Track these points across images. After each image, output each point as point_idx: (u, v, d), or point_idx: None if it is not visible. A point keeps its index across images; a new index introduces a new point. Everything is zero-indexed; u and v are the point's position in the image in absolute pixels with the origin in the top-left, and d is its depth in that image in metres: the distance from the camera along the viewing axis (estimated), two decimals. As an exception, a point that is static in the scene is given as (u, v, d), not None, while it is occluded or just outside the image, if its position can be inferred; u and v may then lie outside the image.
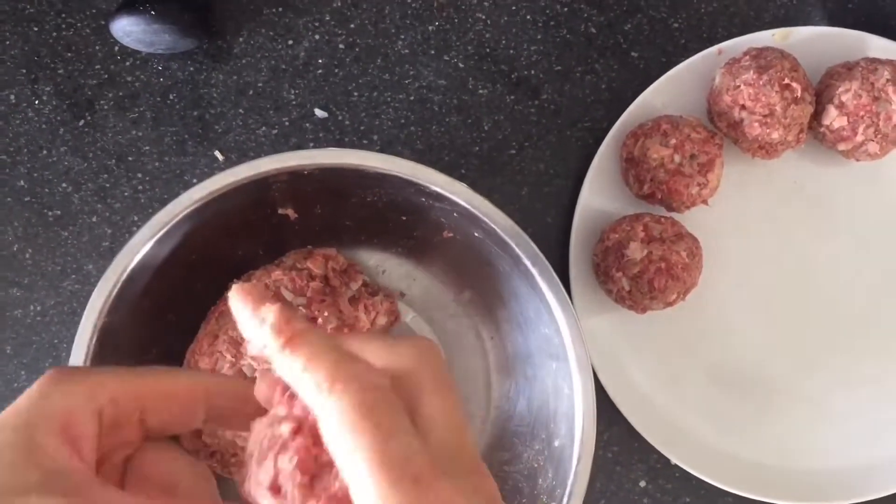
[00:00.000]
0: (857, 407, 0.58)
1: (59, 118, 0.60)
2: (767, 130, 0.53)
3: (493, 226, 0.47)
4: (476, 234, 0.49)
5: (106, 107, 0.60)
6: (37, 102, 0.60)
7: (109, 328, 0.46)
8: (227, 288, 0.55)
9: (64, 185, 0.60)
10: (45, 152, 0.60)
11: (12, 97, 0.60)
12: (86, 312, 0.45)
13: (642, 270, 0.53)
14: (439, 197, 0.47)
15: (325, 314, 0.52)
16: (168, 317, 0.52)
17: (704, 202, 0.55)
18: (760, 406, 0.58)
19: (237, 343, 0.51)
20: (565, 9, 0.60)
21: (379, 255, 0.58)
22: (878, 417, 0.58)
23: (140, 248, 0.46)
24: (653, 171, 0.54)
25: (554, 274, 0.46)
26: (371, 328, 0.54)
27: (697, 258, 0.54)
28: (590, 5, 0.60)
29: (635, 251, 0.53)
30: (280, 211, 0.52)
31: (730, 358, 0.56)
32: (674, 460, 0.57)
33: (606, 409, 0.57)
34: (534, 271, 0.47)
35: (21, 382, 0.59)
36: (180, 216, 0.46)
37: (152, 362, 0.52)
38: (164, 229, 0.46)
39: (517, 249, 0.46)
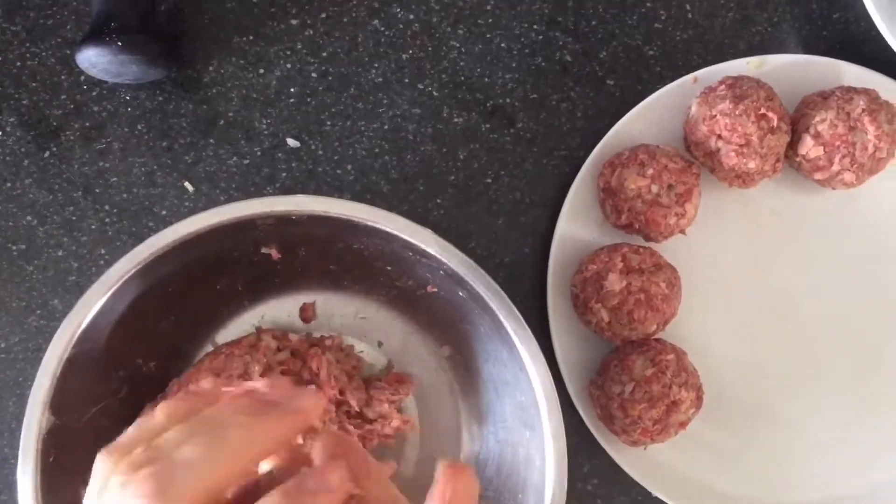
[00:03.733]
0: (840, 436, 0.58)
1: (23, 149, 0.58)
2: (744, 160, 0.53)
3: (478, 290, 0.46)
4: (460, 294, 0.49)
5: (72, 137, 0.58)
6: (0, 134, 0.58)
7: (76, 358, 0.45)
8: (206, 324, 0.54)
9: (28, 217, 0.58)
10: (8, 185, 0.58)
11: (-26, 128, 0.58)
12: (53, 342, 0.45)
13: (621, 302, 0.53)
14: (427, 255, 0.47)
15: None
16: (138, 343, 0.51)
17: (682, 231, 0.55)
18: (742, 436, 0.58)
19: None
20: (540, 37, 0.59)
21: (360, 302, 0.57)
22: (863, 446, 0.58)
23: (114, 282, 0.45)
24: (630, 201, 0.54)
25: (536, 344, 0.46)
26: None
27: (676, 288, 0.54)
28: (565, 33, 0.59)
29: (614, 282, 0.53)
30: (263, 250, 0.52)
31: (710, 388, 0.55)
32: (655, 493, 0.56)
33: (586, 441, 0.56)
34: (515, 339, 0.46)
35: (-16, 422, 0.58)
36: (160, 252, 0.46)
37: (119, 381, 0.50)
38: (142, 265, 0.45)
39: (501, 316, 0.46)
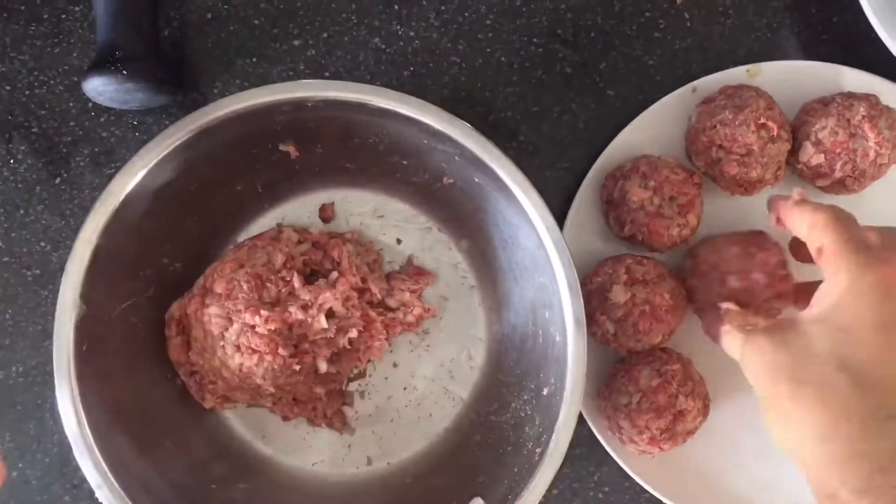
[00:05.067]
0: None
1: (34, 176, 0.59)
2: (745, 169, 0.53)
3: (494, 169, 0.47)
4: (476, 180, 0.50)
5: (82, 163, 0.59)
6: (12, 162, 0.59)
7: (104, 247, 0.47)
8: (228, 226, 0.57)
9: (42, 243, 0.59)
10: (21, 212, 0.59)
11: (-13, 157, 0.59)
12: (81, 231, 0.47)
13: (626, 313, 0.53)
14: (443, 137, 0.48)
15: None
16: (163, 241, 0.53)
17: (685, 242, 0.55)
18: (751, 442, 0.58)
19: (259, 278, 0.52)
20: (540, 50, 0.60)
21: (378, 199, 0.58)
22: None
23: (139, 169, 0.47)
24: (633, 213, 0.54)
25: (553, 220, 0.47)
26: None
27: (680, 299, 0.54)
28: (564, 45, 0.60)
29: (619, 294, 0.53)
30: (281, 147, 0.53)
31: (717, 394, 0.56)
32: (665, 500, 0.57)
33: (596, 449, 0.57)
34: (535, 217, 0.47)
35: (6, 445, 0.59)
36: (181, 141, 0.47)
37: (146, 281, 0.52)
38: (164, 153, 0.47)
39: (519, 194, 0.47)
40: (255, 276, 0.53)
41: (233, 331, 0.52)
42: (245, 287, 0.52)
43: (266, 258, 0.54)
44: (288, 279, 0.53)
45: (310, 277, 0.55)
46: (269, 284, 0.53)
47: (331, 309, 0.54)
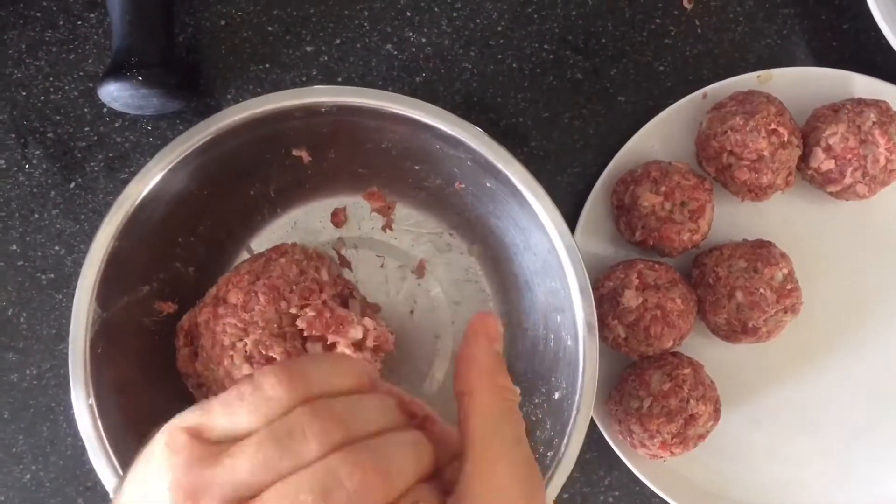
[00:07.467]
0: (859, 445, 0.59)
1: (49, 181, 0.60)
2: (756, 175, 0.53)
3: (506, 173, 0.47)
4: (488, 185, 0.50)
5: (96, 168, 0.60)
6: (27, 166, 0.60)
7: (119, 251, 0.48)
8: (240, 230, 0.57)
9: (57, 247, 0.60)
10: (36, 216, 0.60)
11: (2, 162, 0.60)
12: (97, 236, 0.47)
13: (638, 318, 0.53)
14: (455, 142, 0.48)
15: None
16: (177, 246, 0.53)
17: (696, 247, 0.55)
18: (762, 447, 0.58)
19: (277, 290, 0.52)
20: (551, 56, 0.60)
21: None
22: (882, 455, 0.59)
23: (155, 174, 0.48)
24: (644, 218, 0.54)
25: (565, 225, 0.47)
26: None
27: (692, 304, 0.54)
28: (575, 51, 0.60)
29: (630, 299, 0.53)
30: (294, 152, 0.53)
31: (728, 398, 0.56)
32: (676, 505, 0.57)
33: (606, 454, 0.57)
34: (547, 221, 0.47)
35: (19, 447, 0.59)
36: (196, 146, 0.48)
37: (159, 286, 0.53)
38: (179, 158, 0.48)
39: (531, 198, 0.47)
40: (273, 289, 0.53)
41: (249, 342, 0.51)
42: (262, 299, 0.52)
43: (280, 270, 0.54)
44: (307, 295, 0.53)
45: None
46: (288, 295, 0.53)
47: None
